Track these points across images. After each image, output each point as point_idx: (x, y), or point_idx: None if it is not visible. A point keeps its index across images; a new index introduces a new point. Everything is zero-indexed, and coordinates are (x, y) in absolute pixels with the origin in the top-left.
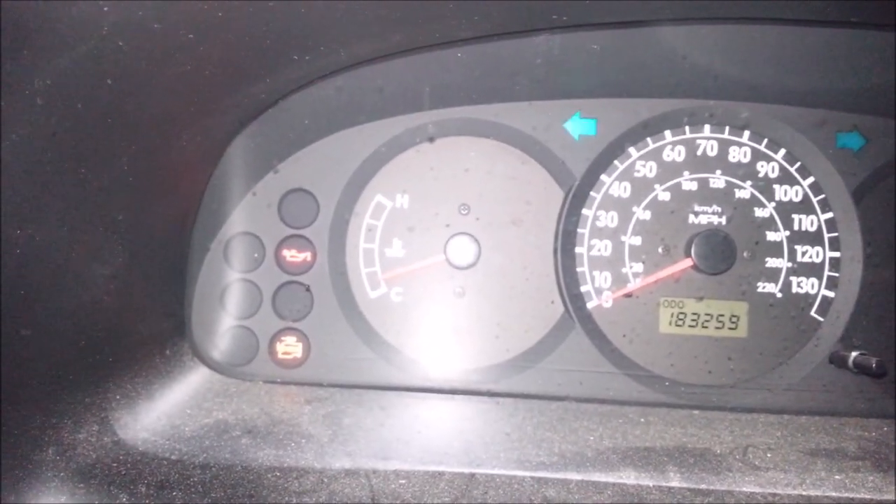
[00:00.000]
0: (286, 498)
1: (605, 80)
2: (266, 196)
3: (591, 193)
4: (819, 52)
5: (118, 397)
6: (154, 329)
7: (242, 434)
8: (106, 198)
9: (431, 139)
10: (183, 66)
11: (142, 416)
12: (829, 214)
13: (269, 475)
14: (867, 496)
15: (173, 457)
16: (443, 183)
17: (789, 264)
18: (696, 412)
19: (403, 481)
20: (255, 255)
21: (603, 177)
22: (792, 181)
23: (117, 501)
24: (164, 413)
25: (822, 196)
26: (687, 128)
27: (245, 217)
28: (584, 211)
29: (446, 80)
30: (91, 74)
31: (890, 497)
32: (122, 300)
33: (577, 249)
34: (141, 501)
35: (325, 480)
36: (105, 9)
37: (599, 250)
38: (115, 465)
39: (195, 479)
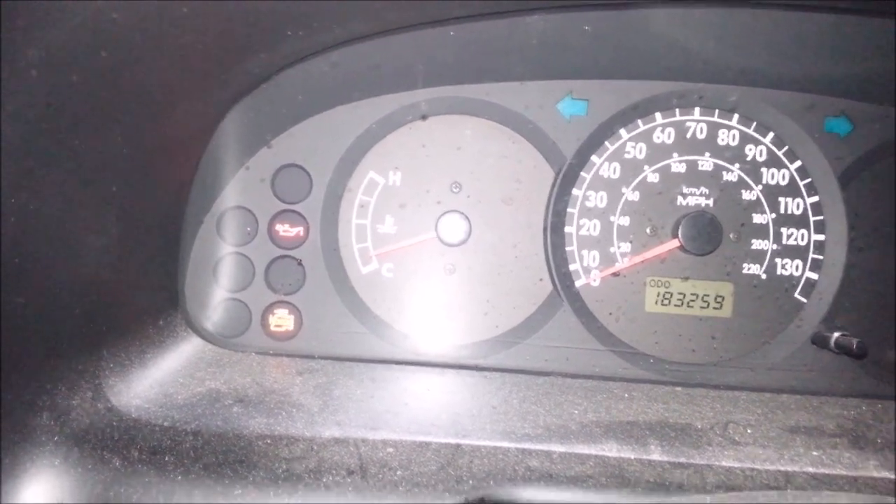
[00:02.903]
0: (276, 464)
1: (597, 61)
2: (259, 171)
3: (582, 174)
4: (809, 37)
5: (112, 365)
6: (148, 300)
7: (234, 403)
8: (101, 169)
9: (424, 117)
10: (178, 40)
11: (135, 384)
12: (815, 198)
13: (260, 442)
14: (843, 472)
15: (166, 423)
16: (435, 161)
17: (774, 246)
18: (679, 389)
19: (391, 450)
20: (248, 228)
21: (593, 157)
22: (779, 164)
23: (110, 465)
24: (157, 381)
25: (809, 180)
26: (677, 110)
27: (238, 191)
28: (574, 191)
29: (440, 58)
30: (85, 46)
31: (865, 473)
32: (116, 271)
33: (567, 228)
34: (133, 465)
35: (315, 448)
36: None
37: (588, 230)
38: (108, 430)
39: (187, 445)
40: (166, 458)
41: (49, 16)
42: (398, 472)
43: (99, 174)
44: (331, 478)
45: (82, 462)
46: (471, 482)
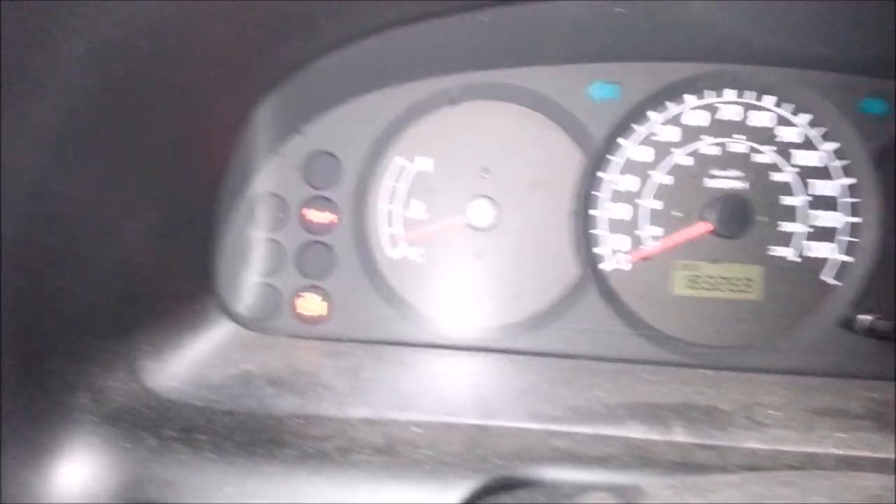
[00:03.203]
0: (307, 443)
1: (628, 44)
2: (291, 158)
3: (611, 157)
4: (844, 16)
5: (147, 347)
6: (183, 284)
7: (267, 384)
8: (139, 158)
9: (454, 102)
10: (214, 30)
11: (170, 366)
12: (850, 180)
13: (292, 422)
14: (869, 454)
15: (199, 403)
16: (464, 146)
17: (807, 229)
18: (705, 371)
19: (419, 430)
20: (281, 215)
21: (623, 141)
22: (813, 146)
23: (146, 443)
24: (191, 363)
25: (844, 161)
26: (709, 92)
27: (271, 178)
28: (603, 175)
29: (471, 43)
30: (127, 39)
31: (890, 455)
32: (153, 256)
33: (595, 212)
34: (168, 444)
35: (345, 428)
36: None
37: (617, 213)
38: (143, 410)
39: (220, 424)
40: (200, 437)
41: (92, 11)
42: (425, 451)
43: (137, 162)
44: (360, 456)
45: (119, 440)
46: (496, 461)
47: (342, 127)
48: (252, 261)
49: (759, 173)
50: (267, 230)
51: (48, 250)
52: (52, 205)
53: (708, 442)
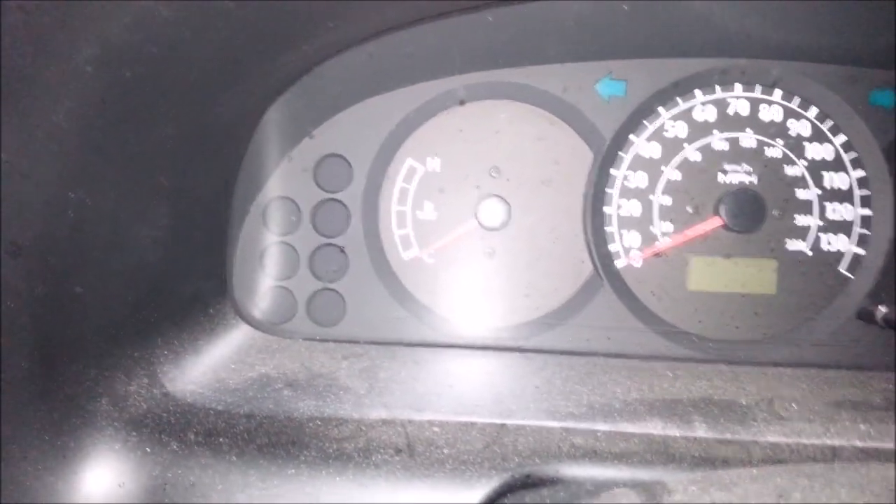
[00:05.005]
0: (327, 444)
1: (635, 40)
2: (302, 161)
3: (621, 154)
4: (852, 8)
5: (166, 352)
6: (198, 289)
7: (284, 387)
8: (151, 163)
9: (462, 102)
10: (222, 35)
11: (188, 370)
12: (861, 172)
13: (311, 424)
14: (892, 446)
15: (219, 407)
16: (473, 146)
17: (819, 222)
18: (723, 366)
19: (437, 429)
20: (293, 218)
21: (632, 137)
22: (823, 139)
23: (168, 448)
24: (209, 367)
25: (854, 154)
26: (717, 87)
27: (282, 181)
28: (614, 171)
29: (477, 43)
30: (136, 43)
31: None
32: (166, 261)
33: (606, 209)
34: (190, 448)
35: (363, 429)
36: None
37: (628, 210)
38: (164, 415)
39: (241, 428)
40: (221, 441)
41: (102, 13)
42: (445, 451)
43: (150, 167)
44: (380, 456)
45: (141, 445)
46: (516, 459)
47: (351, 129)
48: (266, 264)
49: (770, 167)
50: (279, 234)
51: (65, 258)
52: (69, 213)
53: (729, 437)
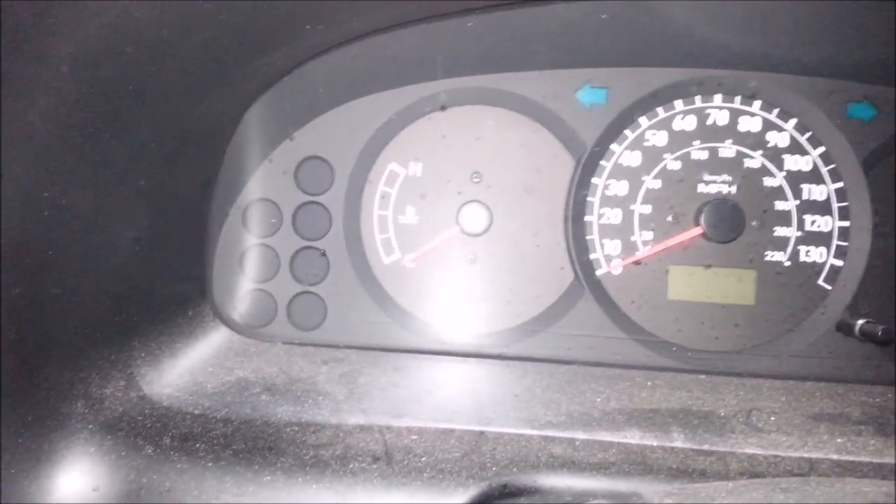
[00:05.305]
0: (304, 450)
1: (616, 49)
2: (282, 163)
3: (602, 162)
4: (830, 21)
5: (143, 355)
6: (176, 290)
7: (262, 391)
8: (129, 163)
9: (444, 108)
10: (200, 36)
11: (166, 373)
12: (839, 184)
13: (288, 429)
14: (868, 459)
15: (196, 411)
16: (455, 151)
17: (798, 233)
18: (702, 377)
19: (416, 437)
20: (273, 220)
21: (613, 146)
22: (802, 151)
23: (143, 452)
24: (186, 370)
25: (832, 166)
26: (697, 97)
27: (262, 184)
28: (595, 179)
29: (459, 49)
30: (112, 43)
31: (890, 460)
32: (145, 262)
33: (587, 217)
34: (166, 452)
35: (341, 435)
36: None
37: (609, 218)
38: (140, 418)
39: (217, 432)
40: (197, 445)
41: (77, 14)
42: (423, 459)
43: (127, 168)
44: (357, 464)
45: (116, 449)
46: (494, 468)
47: (333, 132)
48: (246, 267)
49: (749, 178)
50: (260, 236)
51: (42, 258)
52: (45, 212)
53: (706, 448)
